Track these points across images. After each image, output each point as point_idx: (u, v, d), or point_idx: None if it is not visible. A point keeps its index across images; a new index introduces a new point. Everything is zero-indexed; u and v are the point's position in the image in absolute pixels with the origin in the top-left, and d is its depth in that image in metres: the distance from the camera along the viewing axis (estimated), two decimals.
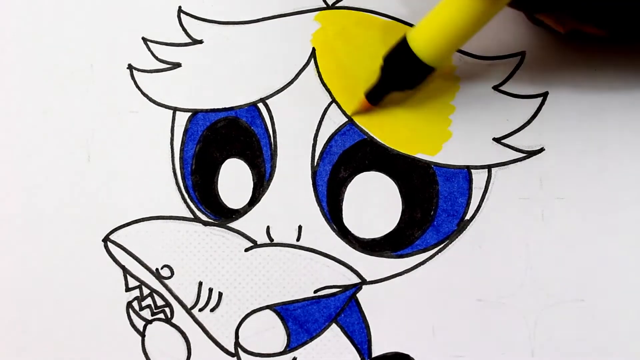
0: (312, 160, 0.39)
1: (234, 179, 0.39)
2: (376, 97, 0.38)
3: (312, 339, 0.38)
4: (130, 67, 0.40)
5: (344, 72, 0.39)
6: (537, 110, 0.39)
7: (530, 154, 0.38)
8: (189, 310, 0.38)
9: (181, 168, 0.39)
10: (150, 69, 0.40)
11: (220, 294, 0.38)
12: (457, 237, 0.38)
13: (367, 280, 0.38)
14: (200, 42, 0.40)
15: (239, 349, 0.38)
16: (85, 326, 0.38)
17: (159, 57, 0.40)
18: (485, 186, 0.38)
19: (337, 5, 0.40)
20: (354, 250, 0.38)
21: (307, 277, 0.38)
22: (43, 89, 0.40)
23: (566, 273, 0.38)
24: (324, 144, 0.39)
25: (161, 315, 0.38)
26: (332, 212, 0.39)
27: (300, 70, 0.39)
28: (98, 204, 0.39)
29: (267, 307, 0.38)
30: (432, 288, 0.38)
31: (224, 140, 0.39)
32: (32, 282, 0.39)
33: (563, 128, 0.38)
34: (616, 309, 0.38)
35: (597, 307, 0.38)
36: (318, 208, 0.39)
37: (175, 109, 0.39)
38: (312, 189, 0.39)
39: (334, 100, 0.39)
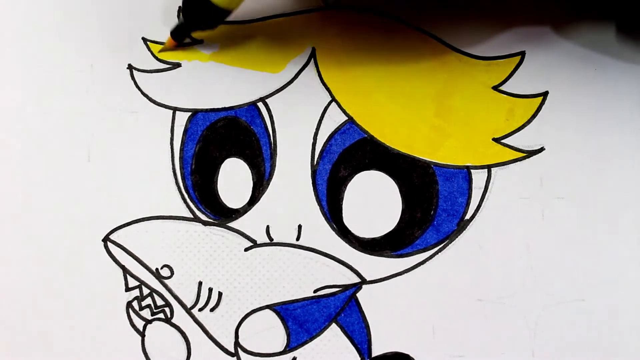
0: (312, 159, 0.39)
1: (233, 179, 0.39)
2: (180, 37, 0.39)
3: (312, 338, 0.38)
4: (130, 67, 0.40)
5: (344, 72, 0.39)
6: (537, 110, 0.39)
7: (530, 153, 0.38)
8: (188, 310, 0.38)
9: (181, 168, 0.39)
10: (150, 69, 0.40)
11: (220, 294, 0.38)
12: (457, 237, 0.38)
13: (367, 279, 0.38)
14: (201, 42, 0.40)
15: (239, 349, 0.38)
16: (85, 326, 0.38)
17: (159, 57, 0.40)
18: (485, 186, 0.38)
19: (337, 5, 0.40)
20: (353, 249, 0.38)
21: (307, 277, 0.38)
22: (43, 89, 0.40)
23: (566, 273, 0.38)
24: (324, 143, 0.39)
25: (161, 315, 0.38)
26: (332, 212, 0.38)
27: (300, 70, 0.39)
28: (98, 204, 0.39)
29: (267, 306, 0.38)
30: (432, 288, 0.38)
31: (223, 140, 0.39)
32: (32, 282, 0.39)
33: (563, 128, 0.38)
34: (616, 309, 0.37)
35: (597, 307, 0.38)
36: (318, 207, 0.38)
37: (175, 109, 0.39)
38: (311, 188, 0.39)
39: (333, 99, 0.39)
